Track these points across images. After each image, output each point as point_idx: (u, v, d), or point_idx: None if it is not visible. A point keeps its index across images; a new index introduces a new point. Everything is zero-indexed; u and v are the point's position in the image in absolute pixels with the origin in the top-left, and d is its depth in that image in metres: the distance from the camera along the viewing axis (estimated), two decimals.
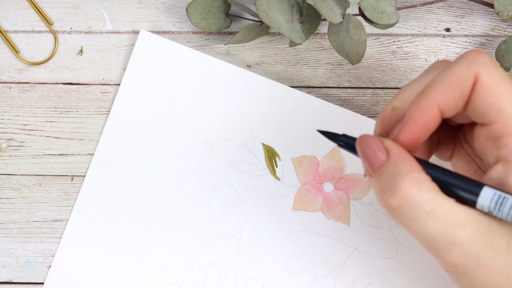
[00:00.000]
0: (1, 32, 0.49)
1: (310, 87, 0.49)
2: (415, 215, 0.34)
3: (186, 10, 0.47)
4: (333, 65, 0.49)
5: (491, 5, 0.46)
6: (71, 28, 0.50)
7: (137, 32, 0.49)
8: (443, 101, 0.34)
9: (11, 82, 0.49)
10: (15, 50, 0.49)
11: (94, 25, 0.50)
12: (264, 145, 0.48)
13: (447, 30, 0.49)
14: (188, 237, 0.48)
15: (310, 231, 0.47)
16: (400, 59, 0.49)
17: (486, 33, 0.49)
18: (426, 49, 0.49)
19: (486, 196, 0.33)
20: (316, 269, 0.47)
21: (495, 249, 0.34)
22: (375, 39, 0.49)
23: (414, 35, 0.49)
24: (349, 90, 0.49)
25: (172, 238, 0.47)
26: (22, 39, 0.50)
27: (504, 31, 0.49)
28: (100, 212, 0.48)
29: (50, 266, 0.48)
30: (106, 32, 0.50)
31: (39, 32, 0.50)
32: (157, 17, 0.49)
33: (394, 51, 0.49)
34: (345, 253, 0.47)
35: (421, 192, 0.34)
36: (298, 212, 0.48)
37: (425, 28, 0.49)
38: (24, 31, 0.50)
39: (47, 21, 0.49)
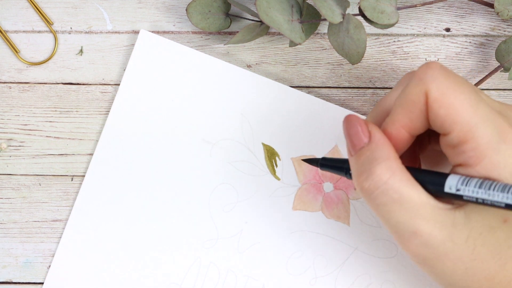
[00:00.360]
0: (1, 32, 0.49)
1: (310, 87, 0.49)
2: (384, 201, 0.36)
3: (186, 10, 0.47)
4: (333, 65, 0.49)
5: (491, 5, 0.46)
6: (71, 28, 0.50)
7: (137, 32, 0.49)
8: (407, 124, 0.37)
9: (11, 82, 0.49)
10: (15, 50, 0.49)
11: (94, 25, 0.50)
12: (264, 145, 0.48)
13: (447, 30, 0.49)
14: (188, 237, 0.48)
15: (310, 231, 0.47)
16: (400, 59, 0.49)
17: (486, 33, 0.49)
18: (426, 49, 0.49)
19: (453, 178, 0.35)
20: (316, 269, 0.47)
21: (455, 242, 0.35)
22: (375, 39, 0.49)
23: (414, 35, 0.49)
24: (349, 90, 0.49)
25: (172, 238, 0.47)
26: (22, 39, 0.50)
27: (504, 31, 0.49)
28: (100, 212, 0.48)
29: (50, 266, 0.48)
30: (106, 32, 0.50)
31: (39, 32, 0.50)
32: (157, 17, 0.49)
33: (394, 51, 0.49)
34: (345, 253, 0.47)
35: (393, 180, 0.36)
36: (298, 212, 0.48)
37: (425, 28, 0.49)
38: (24, 31, 0.50)
39: (47, 21, 0.49)
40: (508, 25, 0.49)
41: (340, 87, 0.49)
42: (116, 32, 0.50)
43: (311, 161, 0.44)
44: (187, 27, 0.49)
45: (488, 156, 0.34)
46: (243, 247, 0.47)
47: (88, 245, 0.48)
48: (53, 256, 0.48)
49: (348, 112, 0.48)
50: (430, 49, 0.49)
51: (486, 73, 0.49)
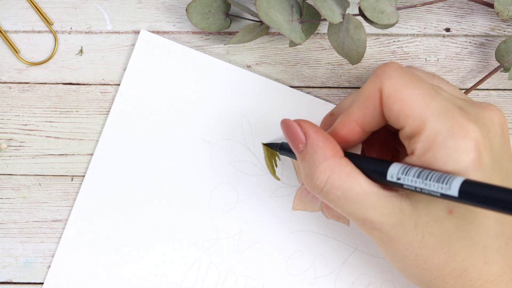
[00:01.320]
0: (1, 32, 0.49)
1: (310, 87, 0.49)
2: (331, 198, 0.38)
3: (186, 10, 0.47)
4: (333, 65, 0.49)
5: (491, 5, 0.46)
6: (71, 28, 0.50)
7: (137, 32, 0.49)
8: (359, 118, 0.38)
9: (11, 82, 0.49)
10: (15, 50, 0.49)
11: (94, 25, 0.50)
12: (264, 145, 0.48)
13: (447, 30, 0.49)
14: (188, 237, 0.48)
15: (310, 231, 0.47)
16: (400, 59, 0.49)
17: (486, 33, 0.49)
18: (426, 49, 0.49)
19: (395, 166, 0.36)
20: (316, 269, 0.47)
21: (405, 229, 0.37)
22: (375, 39, 0.49)
23: (414, 35, 0.49)
24: (349, 90, 0.49)
25: (172, 238, 0.47)
26: (22, 39, 0.50)
27: (504, 31, 0.49)
28: (100, 212, 0.48)
29: (50, 266, 0.48)
30: (106, 32, 0.50)
31: (39, 32, 0.50)
32: (157, 17, 0.49)
33: (394, 51, 0.49)
34: (345, 253, 0.47)
35: (332, 179, 0.38)
36: (298, 212, 0.48)
37: (425, 28, 0.49)
38: (24, 31, 0.50)
39: (47, 21, 0.49)
40: (508, 25, 0.49)
41: (340, 87, 0.49)
42: (116, 32, 0.50)
43: (272, 146, 0.47)
44: (187, 27, 0.49)
45: (433, 149, 0.35)
46: (243, 247, 0.47)
47: (88, 245, 0.48)
48: (53, 256, 0.48)
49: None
50: (430, 49, 0.49)
51: (486, 73, 0.49)
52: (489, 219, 0.36)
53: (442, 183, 0.33)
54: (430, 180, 0.34)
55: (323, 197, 0.39)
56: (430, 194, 0.34)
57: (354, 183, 0.37)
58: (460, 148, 0.35)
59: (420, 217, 0.36)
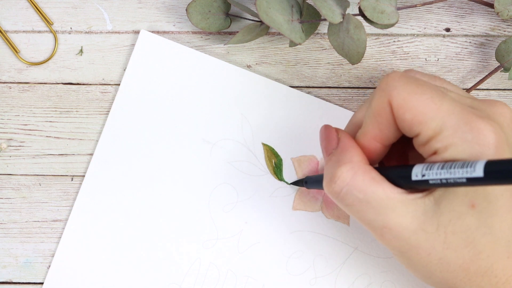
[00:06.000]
0: (1, 32, 0.49)
1: (310, 87, 0.49)
2: (350, 202, 0.37)
3: (186, 10, 0.47)
4: (333, 65, 0.49)
5: (491, 5, 0.46)
6: (71, 28, 0.50)
7: (137, 32, 0.49)
8: (377, 135, 0.38)
9: (11, 82, 0.49)
10: (15, 50, 0.49)
11: (94, 25, 0.50)
12: (264, 145, 0.48)
13: (447, 30, 0.49)
14: (188, 237, 0.48)
15: (310, 231, 0.47)
16: (400, 59, 0.49)
17: (486, 33, 0.49)
18: (426, 49, 0.49)
19: (419, 166, 0.36)
20: (316, 269, 0.47)
21: (426, 231, 0.36)
22: (375, 39, 0.49)
23: (414, 35, 0.49)
24: (349, 90, 0.49)
25: (172, 238, 0.47)
26: (22, 39, 0.50)
27: (504, 31, 0.49)
28: (100, 212, 0.48)
29: (50, 266, 0.48)
30: (106, 32, 0.50)
31: (39, 32, 0.50)
32: (157, 17, 0.49)
33: (394, 51, 0.49)
34: (345, 253, 0.47)
35: (355, 181, 0.37)
36: (298, 212, 0.48)
37: (425, 28, 0.49)
38: (24, 31, 0.50)
39: (47, 21, 0.49)
40: (508, 25, 0.49)
41: (340, 87, 0.49)
42: (116, 32, 0.50)
43: (298, 183, 0.47)
44: (187, 27, 0.49)
45: (454, 143, 0.35)
46: (243, 247, 0.47)
47: (88, 245, 0.48)
48: (53, 256, 0.48)
49: (348, 112, 0.48)
50: (430, 49, 0.49)
51: (486, 73, 0.49)
52: (510, 213, 0.36)
53: (467, 167, 0.33)
54: (454, 168, 0.34)
55: (342, 200, 0.38)
56: (456, 183, 0.34)
57: (378, 187, 0.37)
58: (480, 141, 0.35)
59: (443, 215, 0.36)
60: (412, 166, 0.37)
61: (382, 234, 0.37)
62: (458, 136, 0.35)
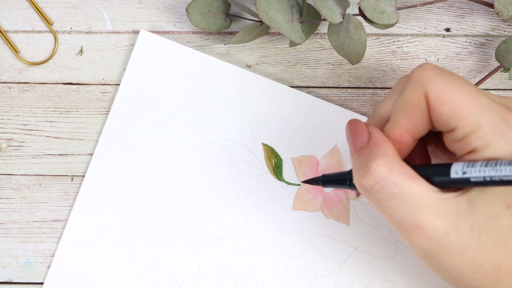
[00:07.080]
0: (1, 32, 0.49)
1: (310, 87, 0.49)
2: (384, 197, 0.36)
3: (186, 10, 0.47)
4: (333, 65, 0.49)
5: (491, 5, 0.46)
6: (71, 28, 0.50)
7: (137, 32, 0.49)
8: (409, 128, 0.37)
9: (11, 82, 0.49)
10: (15, 50, 0.49)
11: (94, 25, 0.50)
12: (264, 145, 0.48)
13: (447, 30, 0.49)
14: (188, 237, 0.48)
15: (310, 231, 0.47)
16: (400, 59, 0.49)
17: (486, 33, 0.49)
18: (426, 49, 0.49)
19: (459, 164, 0.35)
20: (316, 269, 0.47)
21: (460, 232, 0.35)
22: (375, 39, 0.49)
23: (414, 35, 0.49)
24: (349, 90, 0.49)
25: (172, 238, 0.47)
26: (22, 39, 0.50)
27: (504, 31, 0.49)
28: (100, 212, 0.48)
29: (50, 266, 0.48)
30: (106, 32, 0.50)
31: (39, 32, 0.50)
32: (157, 17, 0.49)
33: (394, 51, 0.49)
34: (345, 253, 0.47)
35: (391, 175, 0.35)
36: (298, 212, 0.48)
37: (425, 28, 0.49)
38: (24, 31, 0.50)
39: (47, 21, 0.49)
40: (508, 25, 0.49)
41: (340, 87, 0.49)
42: (116, 32, 0.50)
43: (312, 181, 0.44)
44: (187, 27, 0.49)
45: (495, 141, 0.34)
46: (243, 247, 0.47)
47: (88, 245, 0.48)
48: (53, 256, 0.48)
49: (348, 112, 0.48)
50: (430, 49, 0.49)
51: (486, 73, 0.49)
52: None
53: None
54: (501, 165, 0.33)
55: (374, 194, 0.36)
56: (502, 180, 0.33)
57: (413, 183, 0.35)
58: None
59: (477, 216, 0.35)
60: (450, 164, 0.36)
61: (413, 233, 0.36)
62: (498, 133, 0.34)
